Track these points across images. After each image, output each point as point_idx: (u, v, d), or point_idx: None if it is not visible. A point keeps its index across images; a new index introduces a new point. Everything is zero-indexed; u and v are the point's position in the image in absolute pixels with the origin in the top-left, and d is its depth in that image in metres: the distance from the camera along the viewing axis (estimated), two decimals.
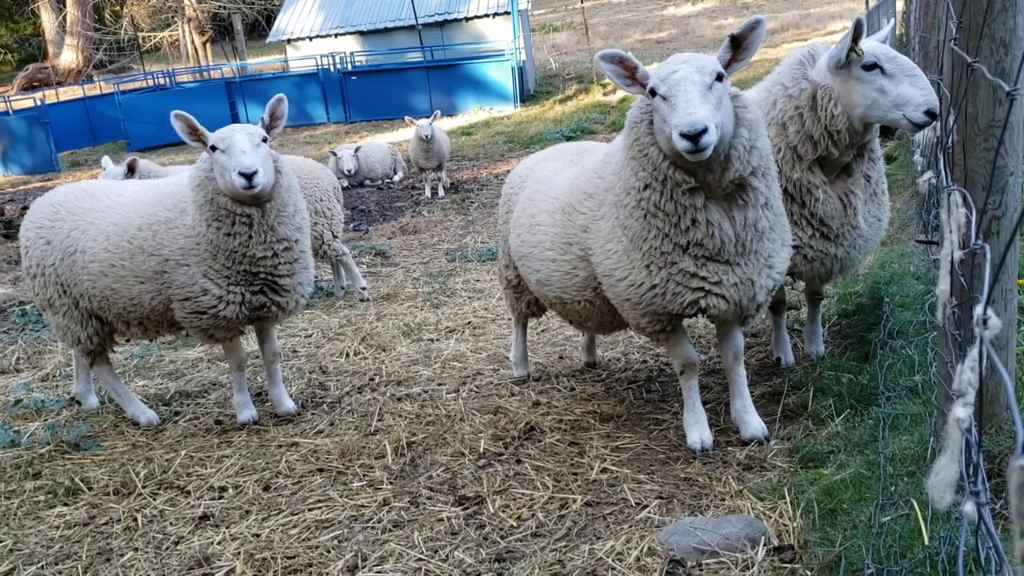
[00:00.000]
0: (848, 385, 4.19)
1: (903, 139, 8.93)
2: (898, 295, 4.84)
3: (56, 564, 3.69)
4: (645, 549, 3.29)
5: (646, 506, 3.65)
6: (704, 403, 4.29)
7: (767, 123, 4.15)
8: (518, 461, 4.21)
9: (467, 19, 25.35)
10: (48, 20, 35.52)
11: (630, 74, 3.67)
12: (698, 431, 4.10)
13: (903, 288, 4.93)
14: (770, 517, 3.38)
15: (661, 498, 3.70)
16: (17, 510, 4.21)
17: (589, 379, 5.25)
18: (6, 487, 4.48)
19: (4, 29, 42.48)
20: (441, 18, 25.43)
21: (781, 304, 4.84)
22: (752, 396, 4.23)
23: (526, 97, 23.17)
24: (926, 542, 2.57)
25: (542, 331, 6.27)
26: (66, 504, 4.24)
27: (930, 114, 3.72)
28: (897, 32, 13.89)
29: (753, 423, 4.09)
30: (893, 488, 3.01)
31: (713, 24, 34.00)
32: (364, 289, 7.66)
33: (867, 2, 16.30)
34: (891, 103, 3.80)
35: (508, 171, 5.04)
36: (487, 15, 25.11)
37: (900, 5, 14.40)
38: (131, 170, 5.91)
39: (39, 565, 3.68)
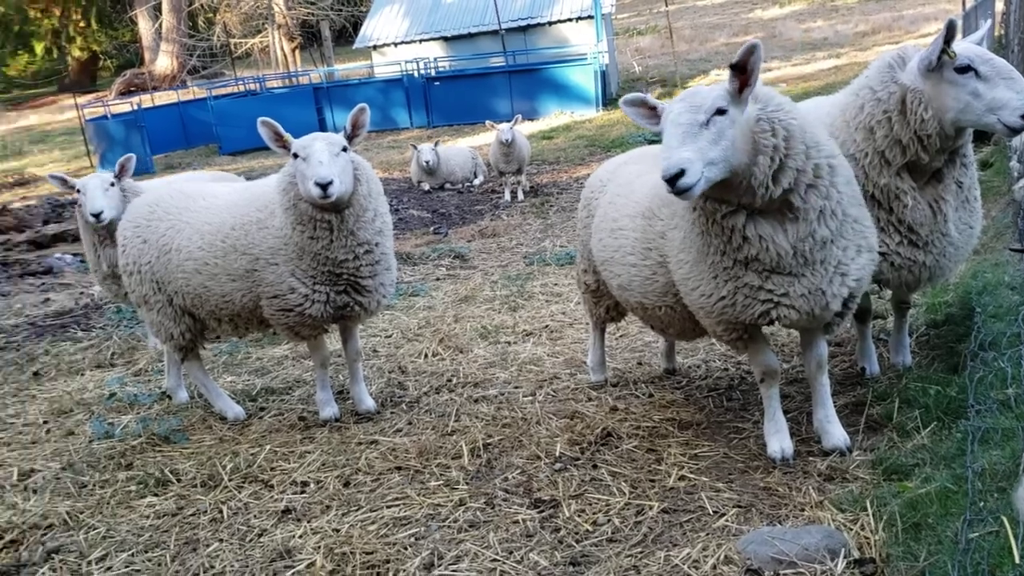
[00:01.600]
0: (935, 397, 4.06)
1: (999, 144, 8.61)
2: (991, 305, 4.67)
3: (146, 552, 3.83)
4: (722, 557, 3.26)
5: (724, 514, 3.60)
6: (785, 412, 4.22)
7: (854, 127, 4.06)
8: (594, 466, 4.20)
9: (550, 23, 25.39)
10: (145, 27, 36.90)
11: (652, 112, 3.68)
12: (778, 440, 4.04)
13: (996, 298, 4.76)
14: (851, 529, 3.30)
15: (739, 507, 3.66)
16: (110, 499, 4.39)
17: (668, 386, 5.21)
18: (100, 476, 4.67)
19: (104, 36, 44.25)
20: (524, 23, 25.54)
21: (866, 312, 4.72)
22: (835, 406, 4.14)
23: (608, 101, 23.09)
24: (1016, 560, 2.48)
25: (620, 336, 6.25)
26: (156, 494, 4.40)
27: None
28: (996, 33, 13.39)
29: (836, 433, 4.01)
30: (982, 504, 2.91)
31: (801, 27, 33.32)
32: None
33: (964, 3, 15.74)
34: (985, 107, 3.67)
35: (588, 175, 5.05)
36: (570, 19, 25.11)
37: (1000, 6, 13.86)
38: (122, 171, 6.14)
39: (130, 552, 3.84)
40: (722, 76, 3.76)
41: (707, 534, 3.47)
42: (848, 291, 3.71)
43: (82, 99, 28.78)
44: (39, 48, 45.11)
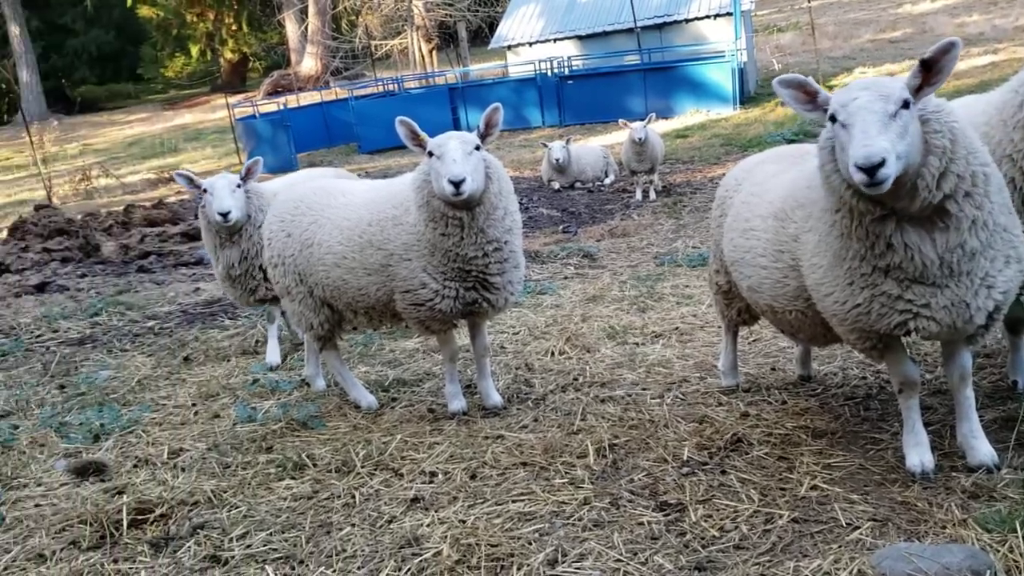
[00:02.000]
0: None
1: None
2: None
3: (283, 532, 4.01)
4: (855, 571, 3.14)
5: (858, 527, 3.47)
6: (927, 424, 4.02)
7: (1012, 126, 3.82)
8: (723, 472, 4.12)
9: (687, 21, 25.02)
10: (292, 30, 38.52)
11: (810, 99, 3.52)
12: (918, 453, 3.85)
13: None
14: (998, 551, 3.12)
15: (875, 520, 3.51)
16: (251, 480, 4.61)
17: (803, 393, 5.05)
18: (243, 458, 4.91)
19: (253, 39, 46.40)
20: (660, 20, 25.25)
21: (1020, 323, 4.44)
22: (982, 420, 3.92)
23: (746, 99, 22.57)
24: None
25: (754, 341, 6.10)
26: (293, 478, 4.60)
27: None
28: None
29: (982, 449, 3.79)
30: None
31: (955, 22, 31.57)
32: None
33: None
34: None
35: (723, 175, 4.96)
36: (708, 16, 24.67)
37: None
38: (248, 173, 6.24)
39: (268, 532, 4.02)
40: (867, 74, 3.62)
41: (839, 546, 3.35)
42: (994, 304, 3.49)
43: (233, 99, 30.30)
44: (194, 51, 47.74)
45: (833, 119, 3.35)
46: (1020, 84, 3.87)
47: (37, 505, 4.54)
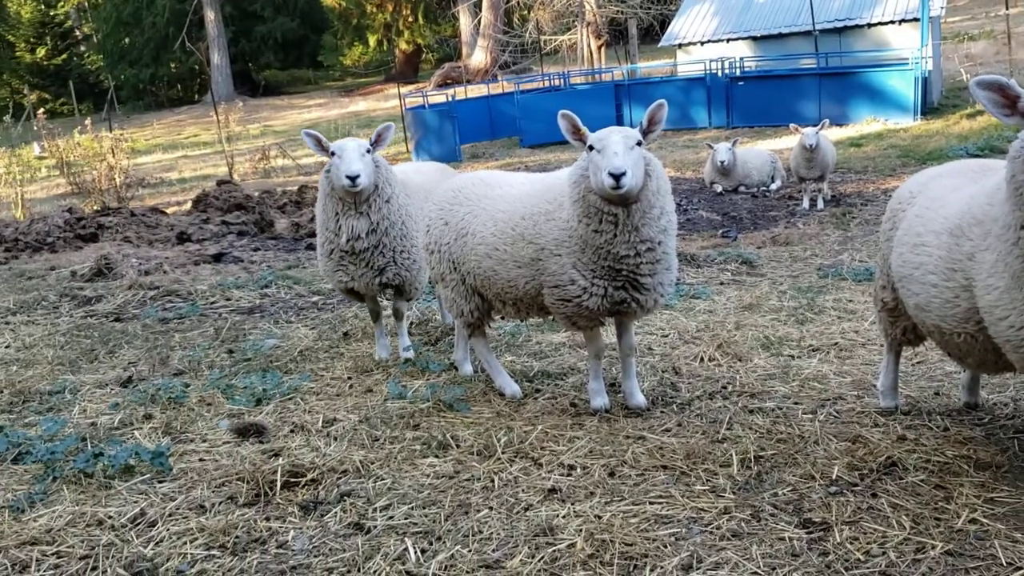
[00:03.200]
0: None
1: None
2: None
3: (424, 508, 4.13)
4: None
5: (1020, 567, 3.24)
6: None
7: None
8: (873, 495, 3.94)
9: (870, 25, 23.87)
10: (465, 23, 39.34)
11: (1010, 103, 3.28)
12: None
13: None
14: None
15: None
16: (398, 455, 4.77)
17: (967, 421, 4.76)
18: (391, 433, 5.09)
19: (428, 31, 47.68)
20: (841, 24, 24.22)
21: None
22: None
23: (928, 110, 21.34)
24: None
25: (918, 362, 5.79)
26: (437, 456, 4.73)
27: None
28: None
29: None
30: None
31: None
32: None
33: None
34: None
35: (897, 187, 4.73)
36: (893, 21, 23.44)
37: None
38: (379, 139, 6.02)
39: (410, 506, 4.15)
40: None
41: None
42: None
43: (404, 89, 31.30)
44: (372, 40, 49.46)
45: None
46: None
47: (201, 460, 4.87)
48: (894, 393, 5.00)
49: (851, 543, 3.53)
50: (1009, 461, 4.18)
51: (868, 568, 3.35)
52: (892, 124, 20.45)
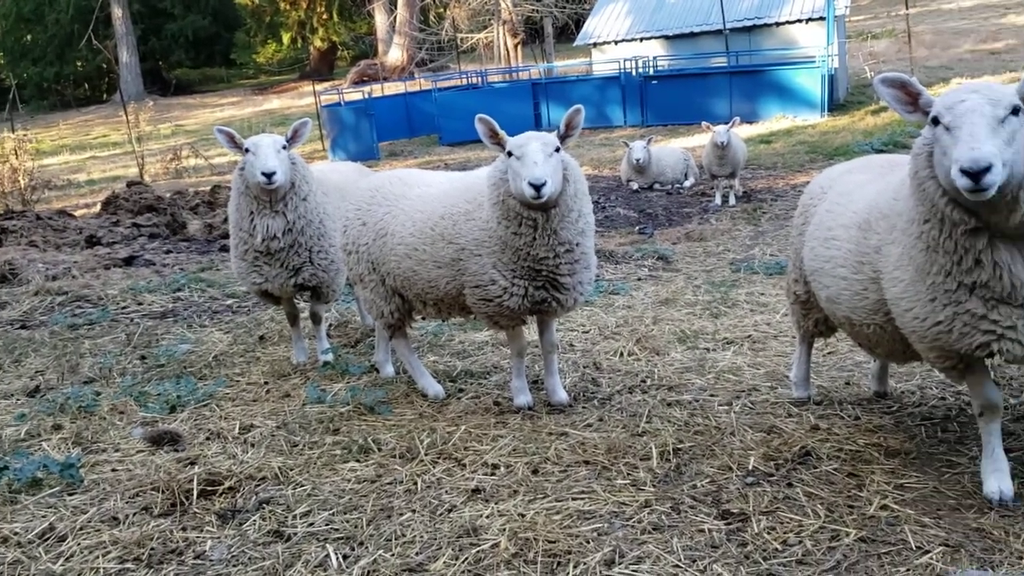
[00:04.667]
0: None
1: None
2: None
3: (345, 513, 4.07)
4: None
5: (928, 551, 3.36)
6: (1008, 451, 3.87)
7: None
8: (789, 484, 4.04)
9: (778, 24, 24.50)
10: (381, 20, 38.98)
11: (912, 100, 3.40)
12: (997, 480, 3.71)
13: None
14: None
15: (947, 545, 3.40)
16: (317, 460, 4.69)
17: (877, 410, 4.92)
18: (310, 438, 5.00)
19: (343, 28, 47.11)
20: (751, 23, 24.80)
21: None
22: None
23: (835, 106, 22.01)
24: None
25: (828, 353, 5.96)
26: (358, 460, 4.66)
27: None
28: None
29: None
30: None
31: None
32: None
33: None
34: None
35: (806, 182, 4.85)
36: (800, 20, 24.11)
37: None
38: (295, 136, 5.87)
39: (331, 512, 4.09)
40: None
41: (907, 570, 3.26)
42: None
43: (319, 87, 30.86)
44: (286, 38, 48.69)
45: (936, 122, 3.24)
46: None
47: (114, 470, 4.71)
48: (807, 384, 5.14)
49: (768, 533, 3.61)
50: (917, 448, 4.34)
51: (785, 557, 3.44)
52: (800, 121, 21.04)
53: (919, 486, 3.93)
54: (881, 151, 15.15)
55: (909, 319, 3.62)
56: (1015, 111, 3.11)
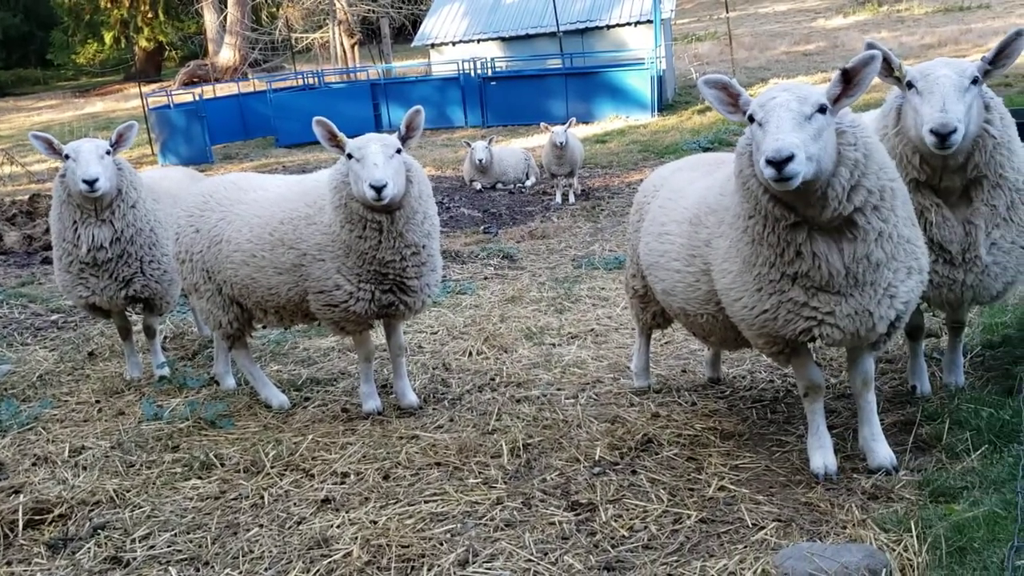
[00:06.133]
0: (988, 419, 3.97)
1: None
2: None
3: (188, 533, 3.91)
4: (759, 571, 3.22)
5: (763, 527, 3.56)
6: (831, 428, 4.15)
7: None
8: (633, 472, 4.18)
9: (608, 27, 25.28)
10: (210, 19, 37.53)
11: (733, 101, 3.61)
12: (822, 456, 3.97)
13: None
14: (894, 550, 3.24)
15: (779, 521, 3.61)
16: (156, 479, 4.48)
17: (712, 395, 5.16)
18: (147, 457, 4.77)
19: (170, 27, 45.08)
20: (583, 26, 25.47)
21: (918, 330, 4.63)
22: (883, 424, 4.07)
23: (664, 107, 22.92)
24: None
25: (666, 343, 6.21)
26: (200, 477, 4.48)
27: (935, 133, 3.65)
28: None
29: (881, 452, 3.93)
30: None
31: (865, 38, 32.59)
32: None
33: None
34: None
35: (641, 180, 5.03)
36: (629, 23, 24.96)
37: None
38: (119, 140, 5.64)
39: (172, 532, 3.91)
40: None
41: (745, 547, 3.44)
42: (896, 313, 3.63)
43: (147, 88, 29.41)
44: (108, 37, 46.07)
45: (752, 119, 3.43)
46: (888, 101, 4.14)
47: None
48: (646, 373, 5.34)
49: (616, 521, 3.73)
50: (749, 429, 4.59)
51: (632, 543, 3.55)
52: (633, 121, 21.78)
53: (752, 466, 4.15)
54: (708, 149, 15.90)
55: (738, 308, 3.83)
56: (822, 110, 3.33)
